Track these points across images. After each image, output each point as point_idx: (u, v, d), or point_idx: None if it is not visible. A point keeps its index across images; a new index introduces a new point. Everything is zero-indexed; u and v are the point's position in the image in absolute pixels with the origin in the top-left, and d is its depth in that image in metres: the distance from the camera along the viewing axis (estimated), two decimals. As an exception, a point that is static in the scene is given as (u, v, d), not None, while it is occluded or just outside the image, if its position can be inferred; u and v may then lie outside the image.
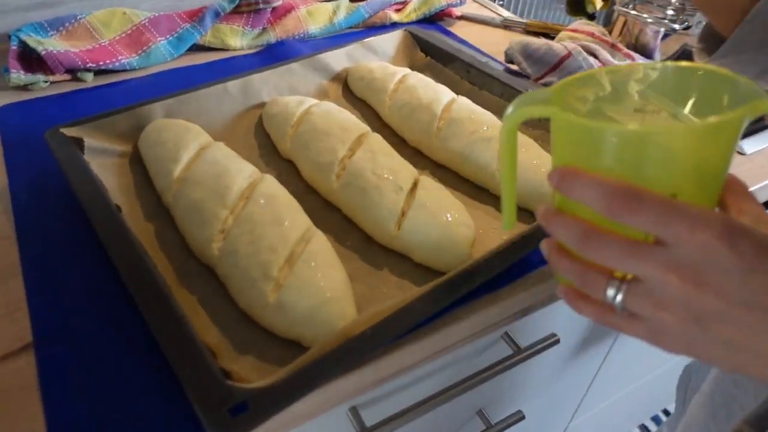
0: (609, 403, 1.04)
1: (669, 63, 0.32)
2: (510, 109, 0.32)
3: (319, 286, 0.44)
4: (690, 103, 0.31)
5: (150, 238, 0.51)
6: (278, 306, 0.43)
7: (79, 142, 0.57)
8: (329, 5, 0.90)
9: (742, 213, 0.29)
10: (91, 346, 0.43)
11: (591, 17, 0.97)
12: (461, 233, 0.50)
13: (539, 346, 0.57)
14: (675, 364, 1.03)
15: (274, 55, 0.82)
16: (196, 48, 0.83)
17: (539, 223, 0.33)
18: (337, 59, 0.75)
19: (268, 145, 0.64)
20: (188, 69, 0.80)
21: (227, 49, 0.84)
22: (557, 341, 0.58)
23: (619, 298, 0.29)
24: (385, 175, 0.53)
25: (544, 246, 0.33)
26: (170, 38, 0.81)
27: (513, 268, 0.48)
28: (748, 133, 0.71)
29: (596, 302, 0.31)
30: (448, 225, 0.50)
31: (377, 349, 0.41)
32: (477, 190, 0.59)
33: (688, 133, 0.27)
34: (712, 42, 0.54)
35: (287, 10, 0.87)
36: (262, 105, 0.68)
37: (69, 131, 0.57)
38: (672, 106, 0.32)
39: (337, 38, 0.88)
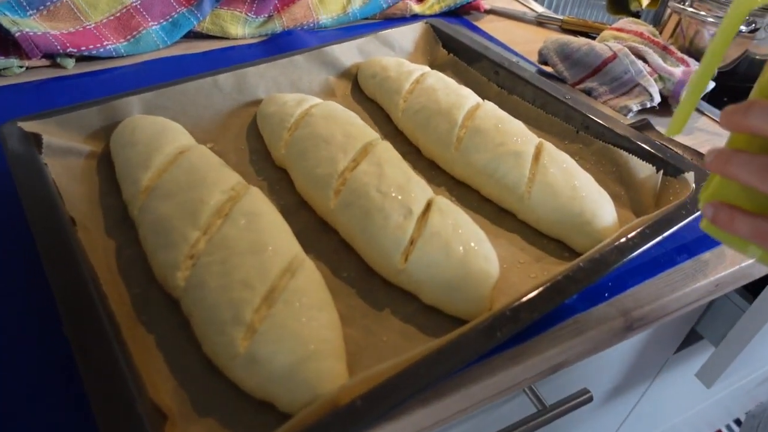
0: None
1: None
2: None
3: (301, 335, 0.35)
4: None
5: (108, 257, 0.43)
6: (249, 358, 0.34)
7: (37, 139, 0.48)
8: (343, -7, 0.81)
9: None
10: (15, 387, 0.35)
11: (635, 16, 0.86)
12: (481, 269, 0.41)
13: (568, 405, 0.47)
14: (709, 404, 0.93)
15: (278, 46, 0.74)
16: (193, 35, 0.74)
17: (709, 168, 0.31)
18: (348, 53, 0.66)
19: (260, 150, 0.56)
20: (182, 58, 0.71)
21: (227, 38, 0.76)
22: (590, 399, 0.48)
23: None
24: (393, 194, 0.44)
25: (717, 211, 0.31)
26: (164, 23, 0.73)
27: (543, 318, 0.39)
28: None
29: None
30: (465, 259, 0.41)
31: (372, 423, 0.32)
32: (501, 214, 0.50)
33: None
34: None
35: (293, -3, 0.79)
36: (258, 103, 0.60)
37: (28, 126, 0.49)
38: None
39: (350, 30, 0.80)
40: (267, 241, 0.40)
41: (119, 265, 0.43)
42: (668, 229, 0.43)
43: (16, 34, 0.63)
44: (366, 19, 0.82)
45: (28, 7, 0.68)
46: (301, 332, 0.35)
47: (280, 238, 0.41)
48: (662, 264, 0.47)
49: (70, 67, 0.68)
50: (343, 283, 0.43)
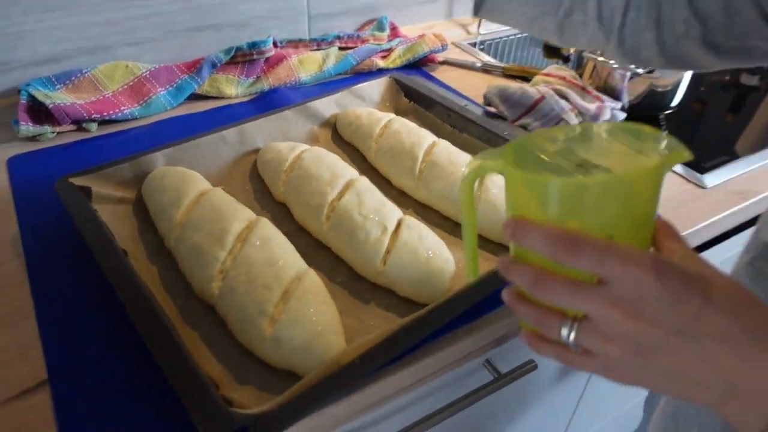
0: (596, 429, 1.07)
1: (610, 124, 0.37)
2: (466, 169, 0.37)
3: (311, 321, 0.48)
4: (626, 153, 0.36)
5: (154, 279, 0.56)
6: (274, 340, 0.47)
7: (86, 191, 0.61)
8: (319, 54, 0.96)
9: (672, 252, 0.33)
10: (103, 380, 0.47)
11: (566, 59, 1.03)
12: (442, 268, 0.55)
13: (517, 372, 0.60)
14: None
15: (267, 102, 0.88)
16: (194, 97, 0.88)
17: (499, 273, 0.35)
18: (327, 106, 0.80)
19: (262, 190, 0.69)
20: (187, 117, 0.85)
21: (223, 98, 0.89)
22: (534, 367, 0.62)
23: (572, 336, 0.32)
24: (371, 216, 0.58)
25: (505, 294, 0.36)
26: (169, 88, 0.86)
27: (489, 299, 0.53)
28: (709, 168, 0.76)
29: (554, 343, 0.34)
30: (429, 261, 0.55)
31: (364, 376, 0.45)
32: (456, 228, 0.64)
33: (615, 182, 0.32)
34: None
35: (279, 59, 0.93)
36: (257, 151, 0.73)
37: (77, 180, 0.62)
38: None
39: (326, 85, 0.94)
40: (278, 256, 0.53)
41: (163, 284, 0.55)
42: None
43: (50, 106, 0.76)
44: (339, 74, 0.97)
45: (56, 82, 0.81)
46: (311, 319, 0.48)
47: (287, 255, 0.54)
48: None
49: (94, 129, 0.80)
50: (337, 286, 0.56)
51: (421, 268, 0.54)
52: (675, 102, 0.90)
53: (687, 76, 0.88)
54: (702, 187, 0.73)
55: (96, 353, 0.49)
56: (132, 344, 0.49)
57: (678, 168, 0.76)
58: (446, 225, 0.64)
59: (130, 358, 0.49)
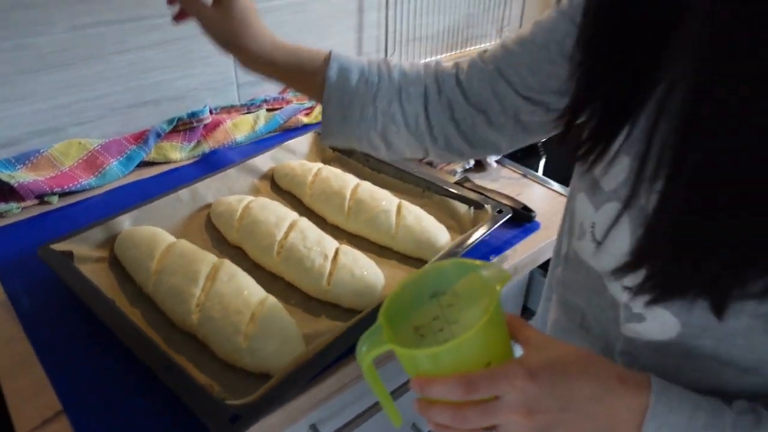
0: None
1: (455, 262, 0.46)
2: (359, 355, 0.42)
3: (277, 333, 0.61)
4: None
5: (139, 319, 0.67)
6: (250, 351, 0.60)
7: (68, 254, 0.72)
8: (250, 116, 1.10)
9: (527, 339, 0.41)
10: (109, 402, 0.58)
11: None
12: (375, 283, 0.70)
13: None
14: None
15: (209, 162, 1.01)
16: (144, 164, 1.00)
17: (420, 413, 0.41)
18: (264, 162, 0.94)
19: (218, 237, 0.82)
20: (139, 183, 0.96)
21: (169, 162, 1.01)
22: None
23: None
24: (314, 248, 0.72)
25: (417, 406, 0.41)
26: (120, 159, 0.98)
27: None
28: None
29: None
30: (364, 278, 0.70)
31: (322, 369, 0.59)
32: (383, 250, 0.79)
33: (471, 337, 0.38)
34: None
35: (216, 124, 1.07)
36: (208, 206, 0.86)
37: (57, 246, 0.72)
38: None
39: (259, 143, 1.08)
40: (243, 288, 0.66)
41: (147, 322, 0.67)
42: (476, 240, 0.75)
43: (15, 185, 0.86)
44: (270, 132, 1.11)
45: (16, 163, 0.91)
46: (277, 332, 0.61)
47: (250, 286, 0.67)
48: (483, 259, 0.78)
49: (55, 202, 0.90)
50: (293, 306, 0.70)
51: (358, 284, 0.69)
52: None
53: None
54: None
55: (99, 382, 0.60)
56: (128, 370, 0.60)
57: (557, 187, 0.96)
58: (374, 248, 0.80)
59: (128, 382, 0.60)
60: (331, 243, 0.74)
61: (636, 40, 0.39)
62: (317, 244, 0.73)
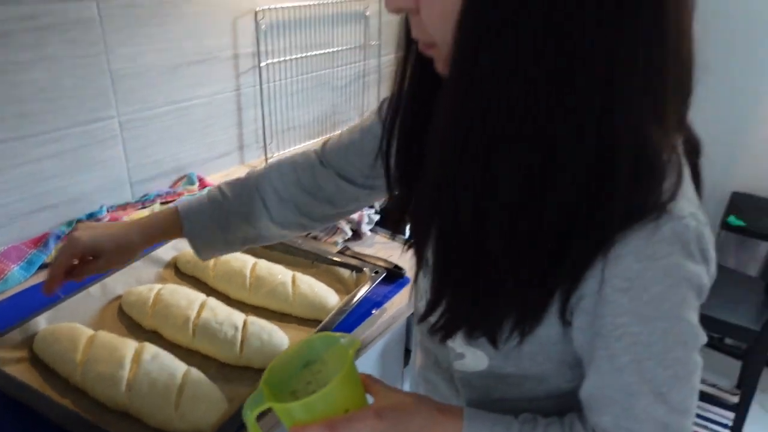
0: None
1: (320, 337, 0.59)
2: (244, 415, 0.54)
3: (203, 398, 0.73)
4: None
5: (72, 407, 0.75)
6: (181, 416, 0.71)
7: (-9, 359, 0.78)
8: (146, 211, 1.21)
9: (377, 391, 0.54)
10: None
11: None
12: (280, 344, 0.84)
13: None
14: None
15: (111, 257, 1.09)
16: (45, 266, 1.05)
17: None
18: (166, 252, 1.05)
19: (131, 325, 0.91)
20: (42, 284, 1.02)
21: (70, 261, 1.08)
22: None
23: None
24: (225, 323, 0.85)
25: None
26: (21, 264, 1.03)
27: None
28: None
29: None
30: (271, 341, 0.83)
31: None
32: (283, 316, 0.94)
33: (329, 391, 0.50)
34: None
35: (113, 221, 1.16)
36: (118, 297, 0.95)
37: (-21, 352, 0.78)
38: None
39: (157, 234, 1.19)
40: (167, 365, 0.77)
41: (78, 407, 0.74)
42: (360, 298, 0.92)
43: None
44: (165, 224, 1.22)
45: None
46: (203, 397, 0.73)
47: (173, 362, 0.78)
48: (367, 313, 0.95)
49: (-42, 312, 0.94)
50: (212, 374, 0.81)
51: (267, 348, 0.83)
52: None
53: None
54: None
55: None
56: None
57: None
58: (276, 315, 0.94)
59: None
60: (238, 316, 0.88)
61: (409, 143, 0.60)
62: (227, 319, 0.86)
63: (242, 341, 0.83)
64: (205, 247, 0.79)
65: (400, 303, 1.00)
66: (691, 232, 0.45)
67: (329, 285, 0.98)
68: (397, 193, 0.66)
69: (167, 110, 1.26)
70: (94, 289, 0.93)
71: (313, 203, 0.79)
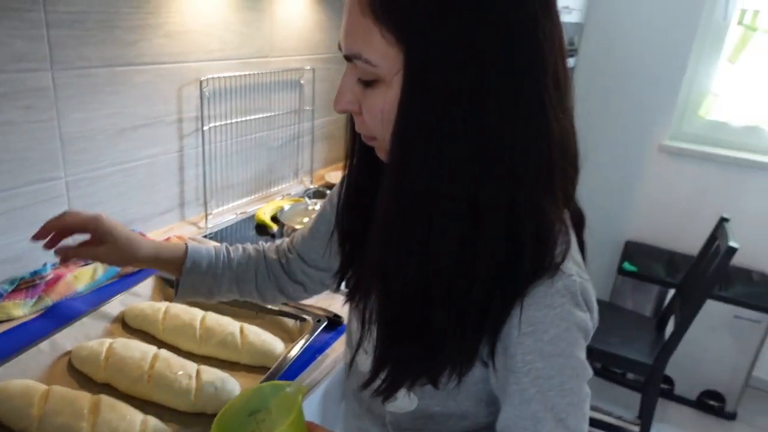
0: None
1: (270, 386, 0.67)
2: None
3: (163, 442, 0.79)
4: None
5: (29, 460, 0.78)
6: (142, 461, 0.76)
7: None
8: (89, 267, 1.24)
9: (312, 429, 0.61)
10: None
11: (273, 236, 1.52)
12: (232, 390, 0.91)
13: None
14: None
15: (56, 314, 1.12)
16: (-13, 324, 1.07)
17: None
18: (114, 307, 1.10)
19: (83, 379, 0.95)
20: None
21: (13, 319, 1.10)
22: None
23: None
24: (179, 372, 0.91)
25: None
26: (-37, 322, 1.04)
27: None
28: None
29: None
30: (225, 388, 0.90)
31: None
32: (233, 364, 1.01)
33: None
34: None
35: (57, 278, 1.18)
36: (68, 353, 0.98)
37: (-69, 412, 0.80)
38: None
39: (101, 290, 1.22)
40: (125, 414, 0.82)
41: (37, 461, 0.78)
42: (304, 345, 1.01)
43: None
44: (109, 279, 1.26)
45: None
46: (163, 441, 0.79)
47: (130, 411, 0.84)
48: (312, 358, 1.04)
49: None
50: (168, 422, 0.87)
51: (220, 394, 0.90)
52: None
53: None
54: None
55: None
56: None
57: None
58: (226, 364, 1.01)
59: None
60: (191, 365, 0.94)
61: (354, 216, 0.72)
62: (181, 368, 0.92)
63: (196, 389, 0.90)
64: (189, 289, 0.86)
65: (340, 348, 1.09)
66: (577, 287, 0.58)
67: (275, 334, 1.06)
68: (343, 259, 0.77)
69: (113, 170, 1.32)
70: (44, 345, 0.97)
71: (288, 284, 0.92)
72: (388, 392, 0.64)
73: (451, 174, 0.54)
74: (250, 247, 0.93)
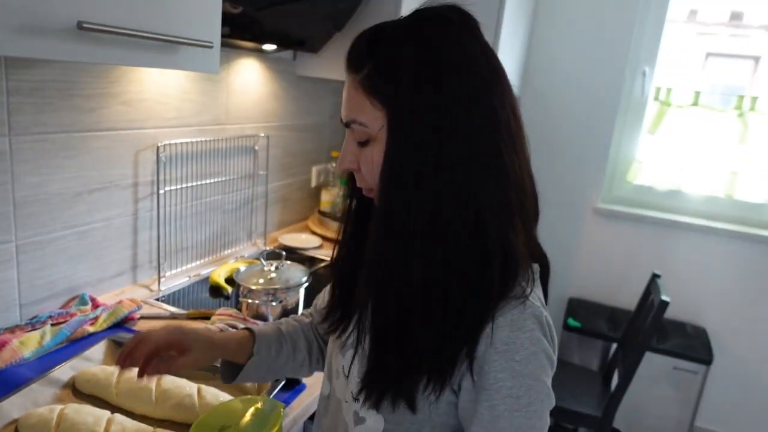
0: None
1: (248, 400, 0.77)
2: None
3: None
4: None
5: None
6: None
7: None
8: (37, 333, 1.20)
9: None
10: None
11: (227, 298, 1.53)
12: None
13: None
14: None
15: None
16: (-76, 395, 1.01)
17: None
18: (64, 372, 1.07)
19: (30, 448, 0.91)
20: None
21: (-48, 389, 1.05)
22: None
23: None
24: (135, 435, 0.90)
25: None
26: None
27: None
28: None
29: None
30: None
31: None
32: (187, 427, 0.99)
33: None
34: None
35: (2, 344, 1.14)
36: (14, 421, 0.95)
37: None
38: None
39: (49, 356, 1.18)
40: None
41: None
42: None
43: None
44: (57, 345, 1.22)
45: None
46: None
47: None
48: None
49: None
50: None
51: (177, 455, 0.88)
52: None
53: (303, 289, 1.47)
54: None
55: None
56: None
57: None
58: (182, 427, 0.99)
59: None
60: (148, 428, 0.92)
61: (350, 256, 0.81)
62: (137, 431, 0.90)
63: (152, 453, 0.88)
64: (248, 374, 0.87)
65: (298, 407, 1.10)
66: (544, 318, 0.67)
67: (233, 395, 1.06)
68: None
69: (65, 234, 1.31)
70: (-12, 415, 0.93)
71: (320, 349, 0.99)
72: (375, 400, 0.71)
73: (424, 210, 0.66)
74: (290, 319, 1.00)
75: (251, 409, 0.69)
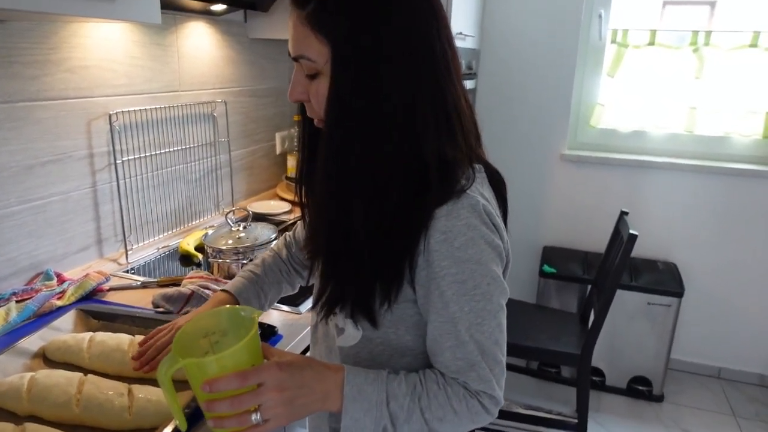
0: None
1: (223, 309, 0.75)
2: (159, 373, 0.65)
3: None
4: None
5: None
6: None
7: None
8: (1, 310, 1.17)
9: (272, 354, 0.69)
10: None
11: (198, 265, 1.51)
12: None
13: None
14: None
15: (-34, 359, 1.04)
16: None
17: (204, 408, 0.65)
18: (33, 342, 1.04)
19: (4, 414, 0.89)
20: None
21: None
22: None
23: (259, 416, 0.64)
24: (110, 392, 0.88)
25: (210, 422, 0.65)
26: None
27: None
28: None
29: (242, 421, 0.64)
30: (160, 401, 0.88)
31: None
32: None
33: (237, 350, 0.62)
34: None
35: (-35, 324, 1.11)
36: (-15, 392, 0.92)
37: None
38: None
39: (16, 331, 1.15)
40: (54, 436, 0.78)
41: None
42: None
43: None
44: (24, 321, 1.19)
45: None
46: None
47: (59, 434, 0.79)
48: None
49: None
50: (101, 443, 0.83)
51: (156, 406, 0.87)
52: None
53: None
54: (300, 312, 1.27)
55: None
56: None
57: (287, 309, 1.28)
58: (157, 384, 0.98)
59: None
60: (122, 385, 0.91)
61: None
62: (112, 388, 0.89)
63: (130, 406, 0.87)
64: None
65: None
66: (480, 206, 0.70)
67: (209, 347, 1.05)
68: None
69: (21, 209, 1.26)
70: (-45, 391, 0.90)
71: (301, 270, 1.07)
72: (329, 307, 0.75)
73: (365, 130, 0.68)
74: (267, 255, 1.06)
75: (233, 317, 0.72)
